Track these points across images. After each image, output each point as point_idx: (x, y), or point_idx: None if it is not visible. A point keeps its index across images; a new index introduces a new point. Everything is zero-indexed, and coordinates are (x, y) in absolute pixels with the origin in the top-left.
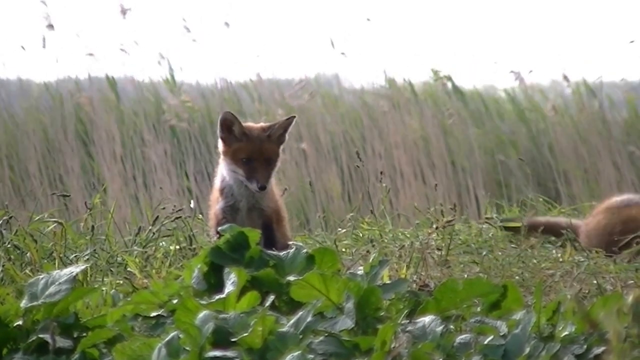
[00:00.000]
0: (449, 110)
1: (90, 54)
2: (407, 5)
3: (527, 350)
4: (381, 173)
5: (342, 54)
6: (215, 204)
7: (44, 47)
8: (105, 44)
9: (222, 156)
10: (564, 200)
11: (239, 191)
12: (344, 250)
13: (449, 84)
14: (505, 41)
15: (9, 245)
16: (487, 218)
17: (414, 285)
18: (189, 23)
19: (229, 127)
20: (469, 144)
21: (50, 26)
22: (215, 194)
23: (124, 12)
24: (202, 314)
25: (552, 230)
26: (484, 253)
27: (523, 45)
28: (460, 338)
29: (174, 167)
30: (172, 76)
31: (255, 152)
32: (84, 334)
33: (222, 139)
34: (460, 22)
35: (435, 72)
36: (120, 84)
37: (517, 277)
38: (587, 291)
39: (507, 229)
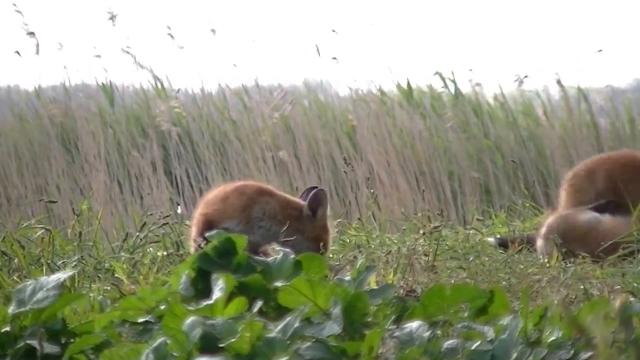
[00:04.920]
0: (447, 115)
1: (78, 60)
2: (394, 10)
3: (514, 355)
4: (367, 179)
5: (333, 59)
6: (201, 221)
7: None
8: (93, 50)
9: (296, 232)
10: (550, 205)
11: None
12: (331, 256)
13: (445, 89)
14: (495, 46)
15: None
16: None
17: (401, 291)
18: (176, 30)
19: (315, 209)
20: (456, 149)
21: (32, 33)
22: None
23: (112, 18)
24: (190, 319)
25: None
26: (471, 259)
27: (513, 50)
28: (448, 343)
29: (162, 173)
30: (162, 83)
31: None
32: (72, 340)
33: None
34: (447, 26)
35: (440, 74)
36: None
37: (504, 283)
38: (574, 296)
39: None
